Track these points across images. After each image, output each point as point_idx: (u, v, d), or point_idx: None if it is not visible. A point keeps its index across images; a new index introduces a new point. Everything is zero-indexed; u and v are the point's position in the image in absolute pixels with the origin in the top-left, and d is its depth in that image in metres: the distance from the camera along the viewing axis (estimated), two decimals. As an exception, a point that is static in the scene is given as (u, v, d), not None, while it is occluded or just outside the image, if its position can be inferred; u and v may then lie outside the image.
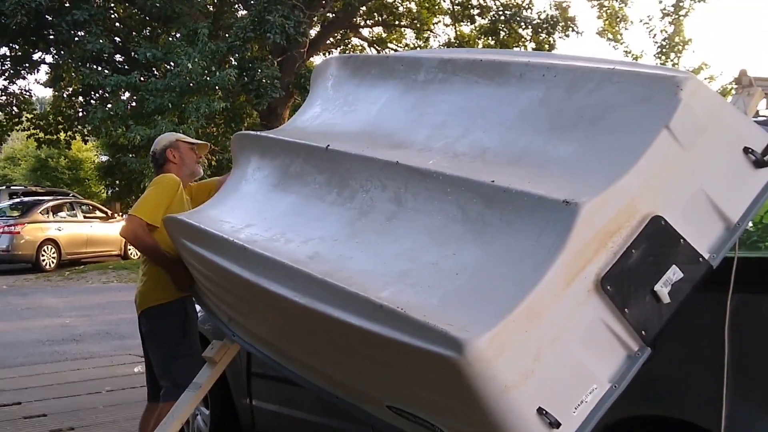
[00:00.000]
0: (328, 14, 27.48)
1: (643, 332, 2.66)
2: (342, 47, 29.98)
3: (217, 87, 23.01)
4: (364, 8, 27.95)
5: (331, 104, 4.23)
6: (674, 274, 2.69)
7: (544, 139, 3.03)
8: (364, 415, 3.32)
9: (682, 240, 2.73)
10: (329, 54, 28.38)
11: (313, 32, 26.65)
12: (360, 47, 30.33)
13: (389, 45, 30.35)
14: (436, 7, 29.88)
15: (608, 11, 26.97)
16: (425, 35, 30.43)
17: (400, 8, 29.70)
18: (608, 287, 2.60)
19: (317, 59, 27.65)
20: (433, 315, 2.56)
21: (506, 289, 2.57)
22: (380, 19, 29.99)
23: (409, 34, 30.78)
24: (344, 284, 2.89)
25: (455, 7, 29.01)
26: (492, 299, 2.56)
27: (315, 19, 26.10)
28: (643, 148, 2.71)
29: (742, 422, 2.97)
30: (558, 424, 2.54)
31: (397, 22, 30.00)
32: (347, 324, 2.80)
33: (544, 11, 28.53)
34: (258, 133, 4.39)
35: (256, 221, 3.74)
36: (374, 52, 29.13)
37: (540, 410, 2.52)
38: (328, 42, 28.92)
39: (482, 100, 3.42)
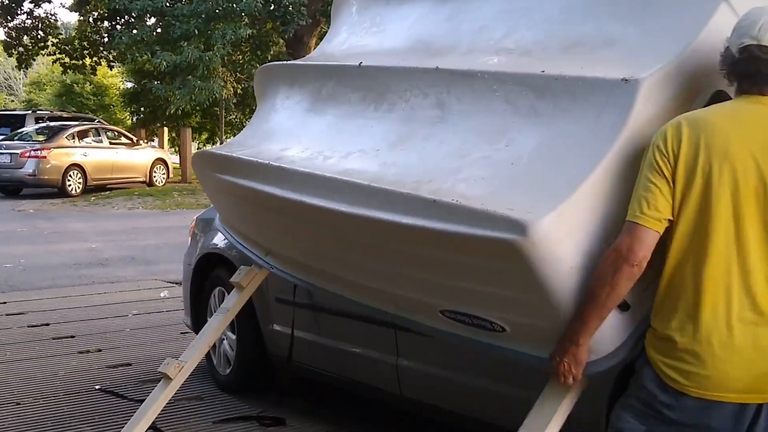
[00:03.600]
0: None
1: None
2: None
3: (243, 13, 22.82)
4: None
5: (357, 28, 4.21)
6: None
7: (596, 26, 3.00)
8: (416, 327, 3.30)
9: None
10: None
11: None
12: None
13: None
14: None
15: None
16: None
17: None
18: None
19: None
20: (491, 203, 2.54)
21: (566, 172, 2.55)
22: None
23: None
24: (393, 186, 2.87)
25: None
26: (552, 182, 2.55)
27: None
28: (702, 23, 2.69)
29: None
30: (627, 306, 2.57)
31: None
32: (401, 225, 2.78)
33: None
34: (284, 62, 4.37)
35: (291, 144, 3.72)
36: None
37: None
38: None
39: (522, 1, 3.38)
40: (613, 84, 2.62)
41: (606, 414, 2.94)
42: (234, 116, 30.58)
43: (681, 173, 2.42)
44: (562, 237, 2.46)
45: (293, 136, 3.83)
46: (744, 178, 2.40)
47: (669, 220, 2.43)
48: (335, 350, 4.76)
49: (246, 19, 23.36)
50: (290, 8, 23.18)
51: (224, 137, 29.71)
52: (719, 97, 2.66)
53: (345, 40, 4.22)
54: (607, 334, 2.61)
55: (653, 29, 2.83)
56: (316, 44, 27.66)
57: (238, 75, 26.07)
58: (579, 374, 2.66)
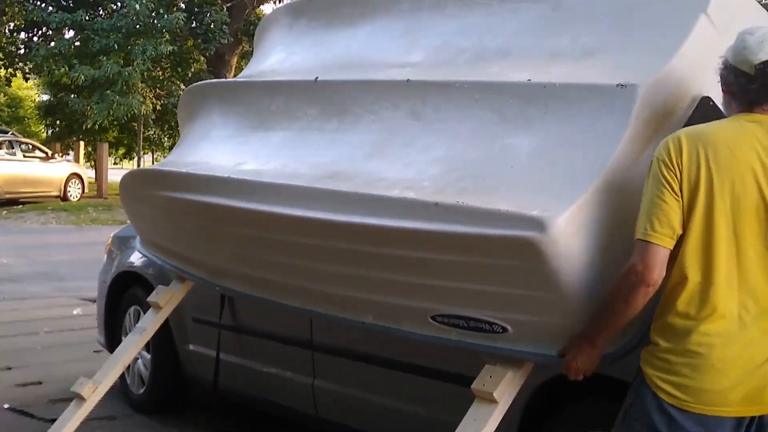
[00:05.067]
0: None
1: None
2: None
3: (164, 30, 22.63)
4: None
5: (297, 47, 4.24)
6: None
7: (571, 39, 3.11)
8: (400, 335, 3.27)
9: None
10: (280, 2, 28.02)
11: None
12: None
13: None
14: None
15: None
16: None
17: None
18: None
19: (267, 7, 27.33)
20: (499, 202, 2.60)
21: (574, 172, 2.63)
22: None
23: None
24: (386, 192, 2.90)
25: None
26: (560, 182, 2.63)
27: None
28: (685, 32, 2.82)
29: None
30: None
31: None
32: (401, 230, 2.80)
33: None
34: (219, 80, 4.39)
35: (248, 159, 3.71)
36: None
37: None
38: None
39: (486, 17, 3.47)
40: (608, 89, 2.73)
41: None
42: (152, 132, 30.23)
43: (686, 187, 2.44)
44: (577, 234, 2.54)
45: (245, 151, 3.81)
46: (744, 194, 2.44)
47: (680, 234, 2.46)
48: (253, 371, 4.74)
49: (167, 36, 23.17)
50: (212, 26, 23.10)
51: (142, 153, 29.34)
52: (705, 103, 2.79)
53: (285, 58, 4.25)
54: None
55: (638, 40, 2.96)
56: (238, 62, 27.65)
57: (158, 91, 25.82)
58: (589, 373, 2.71)
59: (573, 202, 2.53)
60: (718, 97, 2.78)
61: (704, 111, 2.78)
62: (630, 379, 2.66)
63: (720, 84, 2.63)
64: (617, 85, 2.71)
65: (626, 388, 2.65)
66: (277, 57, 4.29)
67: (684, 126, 2.69)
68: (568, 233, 2.51)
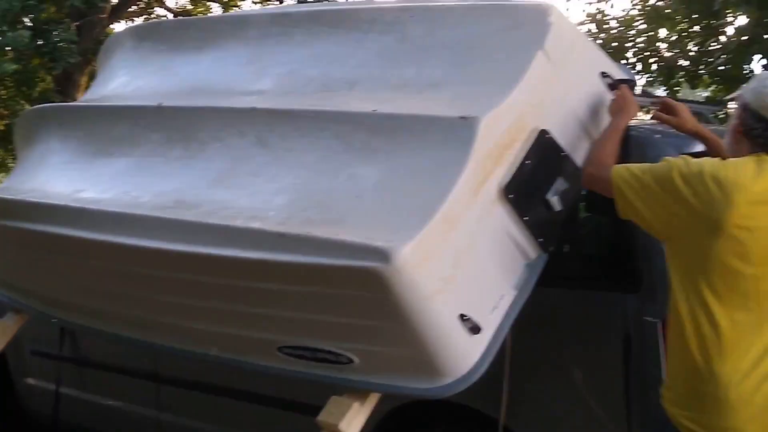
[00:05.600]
0: (131, -19, 26.60)
1: (540, 239, 2.87)
2: (146, 16, 29.08)
3: (8, 47, 21.80)
4: (170, -23, 27.23)
5: (142, 71, 4.14)
6: (561, 184, 2.89)
7: (416, 71, 3.16)
8: (247, 367, 3.22)
9: (563, 153, 2.96)
10: (131, 22, 27.50)
11: (114, -1, 25.74)
12: (164, 17, 29.51)
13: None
14: (245, -18, 29.47)
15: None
16: (232, 10, 29.97)
17: (208, -20, 29.09)
18: (510, 195, 2.79)
19: (118, 27, 26.73)
20: (345, 232, 2.59)
21: (418, 201, 2.65)
22: (187, -10, 29.29)
23: (216, 9, 30.18)
24: (229, 222, 2.84)
25: (264, -18, 28.73)
26: (405, 212, 2.65)
27: (117, -15, 25.20)
28: (523, 67, 2.89)
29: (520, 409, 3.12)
30: (479, 329, 2.66)
31: (204, -5, 29.39)
32: (246, 261, 2.75)
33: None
34: (59, 104, 4.22)
35: (87, 186, 3.56)
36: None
37: (462, 316, 2.63)
38: (130, 10, 27.97)
39: (333, 46, 3.48)
40: (450, 121, 2.77)
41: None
42: (-5, 153, 29.03)
43: None
44: (421, 264, 2.53)
45: (84, 178, 3.65)
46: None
47: None
48: (96, 405, 4.59)
49: (11, 54, 22.32)
50: (60, 45, 22.39)
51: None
52: (543, 135, 2.87)
53: (129, 82, 4.12)
54: (458, 356, 2.70)
55: (478, 74, 3.02)
56: (87, 82, 26.85)
57: (1, 111, 24.83)
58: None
59: (417, 232, 2.55)
60: (555, 130, 2.87)
61: (542, 144, 2.87)
62: (480, 407, 2.69)
63: (735, 123, 2.68)
64: (459, 117, 2.75)
65: (477, 416, 2.68)
66: (121, 81, 4.17)
67: (523, 158, 2.76)
68: (413, 263, 2.52)
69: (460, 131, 2.74)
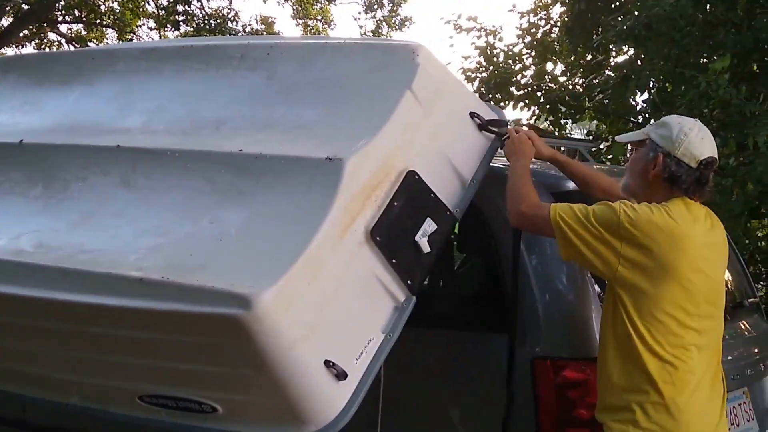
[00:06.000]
0: (22, 5, 25.94)
1: (408, 282, 2.81)
2: (38, 41, 28.42)
3: None
4: (63, 2, 26.67)
5: (4, 106, 3.97)
6: (429, 225, 2.85)
7: (285, 111, 3.11)
8: (108, 417, 3.09)
9: (432, 194, 2.92)
10: (23, 47, 26.84)
11: (5, 22, 25.06)
12: (57, 43, 28.91)
13: (90, 43, 29.13)
14: (141, 10, 29.07)
15: (312, 31, 27.53)
16: (128, 37, 29.52)
17: (102, 7, 28.61)
18: (377, 238, 2.72)
19: (9, 51, 26.04)
20: (206, 279, 2.50)
21: (281, 245, 2.59)
22: (81, 16, 28.74)
23: (111, 35, 29.73)
24: (88, 267, 2.72)
25: (160, 11, 28.39)
26: (268, 256, 2.58)
27: (8, 9, 24.55)
28: (391, 108, 2.87)
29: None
30: (345, 375, 2.60)
31: (98, 21, 28.88)
32: (99, 307, 2.64)
33: (250, 24, 28.65)
34: None
35: None
36: (73, 48, 27.85)
37: (327, 362, 2.56)
38: (21, 35, 27.29)
39: (202, 83, 3.42)
40: (317, 162, 2.73)
41: None
42: None
43: None
44: (284, 310, 2.47)
45: None
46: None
47: None
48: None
49: None
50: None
51: None
52: (411, 176, 2.85)
53: None
54: (323, 404, 2.64)
55: (345, 113, 2.99)
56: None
57: None
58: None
59: (279, 277, 2.48)
60: (424, 171, 2.87)
61: (410, 185, 2.85)
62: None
63: (652, 170, 2.78)
64: (325, 159, 2.72)
65: None
66: None
67: (390, 200, 2.75)
68: (274, 310, 2.46)
69: (326, 173, 2.70)
